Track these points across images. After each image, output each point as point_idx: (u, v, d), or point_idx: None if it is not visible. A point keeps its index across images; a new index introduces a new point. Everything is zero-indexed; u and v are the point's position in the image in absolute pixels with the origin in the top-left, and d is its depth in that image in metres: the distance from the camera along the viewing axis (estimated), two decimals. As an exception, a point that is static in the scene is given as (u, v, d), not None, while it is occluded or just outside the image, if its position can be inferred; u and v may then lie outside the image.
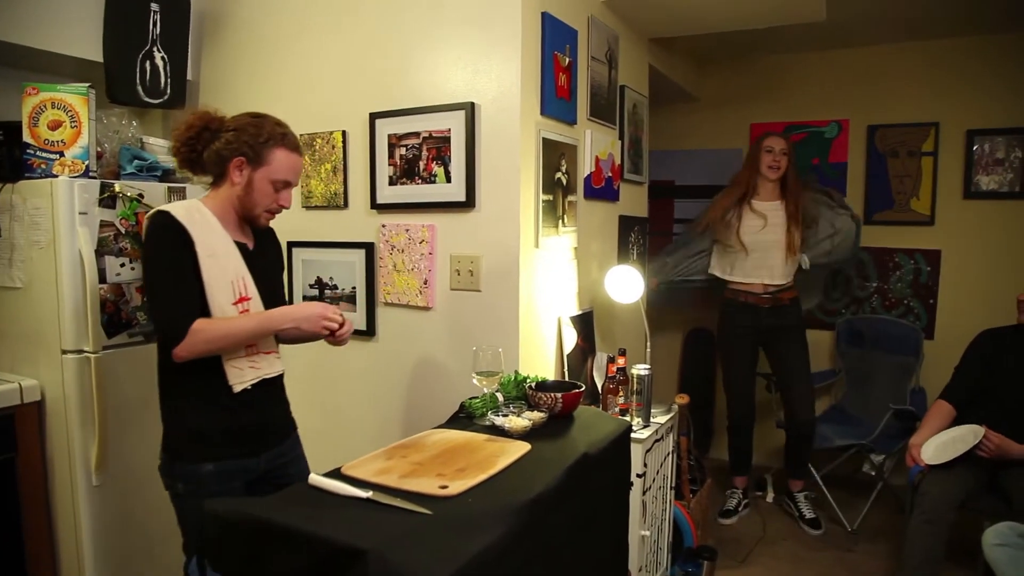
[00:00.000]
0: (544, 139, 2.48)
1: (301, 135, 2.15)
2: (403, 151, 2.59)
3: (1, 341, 2.61)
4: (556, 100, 2.55)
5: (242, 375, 1.84)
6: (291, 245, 2.87)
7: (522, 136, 2.36)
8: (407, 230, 2.60)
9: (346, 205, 2.79)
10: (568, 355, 2.66)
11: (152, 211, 1.81)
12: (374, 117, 2.64)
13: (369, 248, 2.71)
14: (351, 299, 2.77)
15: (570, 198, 2.71)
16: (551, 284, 2.62)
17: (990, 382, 2.92)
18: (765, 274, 3.55)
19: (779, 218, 3.53)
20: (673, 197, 4.73)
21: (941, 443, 2.81)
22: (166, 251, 1.76)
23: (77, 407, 2.37)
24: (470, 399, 2.13)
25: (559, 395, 2.02)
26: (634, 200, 3.49)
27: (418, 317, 2.61)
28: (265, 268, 1.96)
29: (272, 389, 1.97)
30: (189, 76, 3.09)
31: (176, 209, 1.79)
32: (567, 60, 2.60)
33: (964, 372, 3.02)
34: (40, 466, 2.48)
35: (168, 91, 2.98)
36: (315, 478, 1.55)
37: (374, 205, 2.69)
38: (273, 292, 1.98)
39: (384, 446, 1.79)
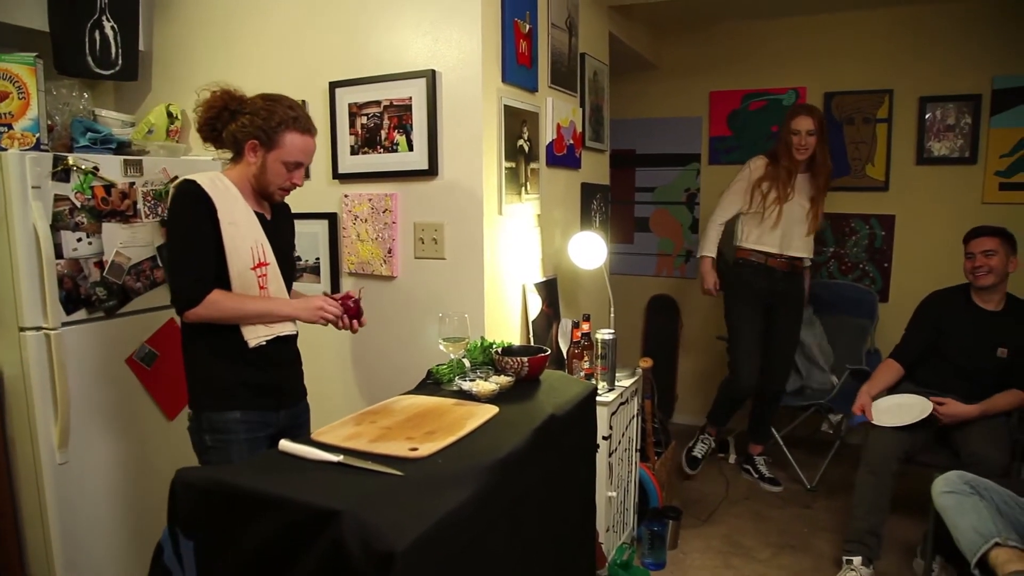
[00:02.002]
0: (506, 106, 2.49)
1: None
2: (364, 120, 2.57)
3: (-45, 320, 2.55)
4: (517, 67, 2.55)
5: (256, 331, 1.96)
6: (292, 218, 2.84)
7: (484, 104, 2.36)
8: (370, 199, 2.59)
9: (308, 176, 2.76)
10: (533, 321, 2.69)
11: (179, 180, 1.94)
12: (334, 86, 2.62)
13: (332, 218, 2.70)
14: (315, 270, 2.76)
15: (532, 165, 2.72)
16: (515, 251, 2.63)
17: (939, 342, 3.03)
18: (787, 245, 3.52)
19: (806, 193, 3.50)
20: (634, 166, 4.77)
21: (891, 406, 2.91)
22: (189, 219, 1.89)
23: (38, 385, 2.33)
24: (437, 366, 2.14)
25: (525, 359, 2.05)
26: (596, 168, 3.51)
27: (383, 286, 2.61)
28: (280, 237, 2.09)
29: (286, 349, 2.09)
30: (141, 46, 3.01)
31: (201, 179, 1.91)
32: (527, 27, 2.60)
33: (913, 332, 3.13)
34: (1, 446, 2.44)
35: (120, 62, 2.91)
36: (285, 444, 1.56)
37: (336, 175, 2.67)
38: (287, 259, 2.12)
39: (354, 409, 1.81)
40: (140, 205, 2.55)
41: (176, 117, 2.96)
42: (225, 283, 1.93)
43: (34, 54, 2.42)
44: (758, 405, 3.77)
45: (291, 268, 2.13)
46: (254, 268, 1.97)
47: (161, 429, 2.66)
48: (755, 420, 3.84)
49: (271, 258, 2.01)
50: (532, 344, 2.58)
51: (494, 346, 2.19)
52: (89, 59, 2.80)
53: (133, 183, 2.53)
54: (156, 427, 2.66)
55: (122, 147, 2.67)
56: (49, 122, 2.52)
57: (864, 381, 3.46)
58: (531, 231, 2.77)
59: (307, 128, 2.00)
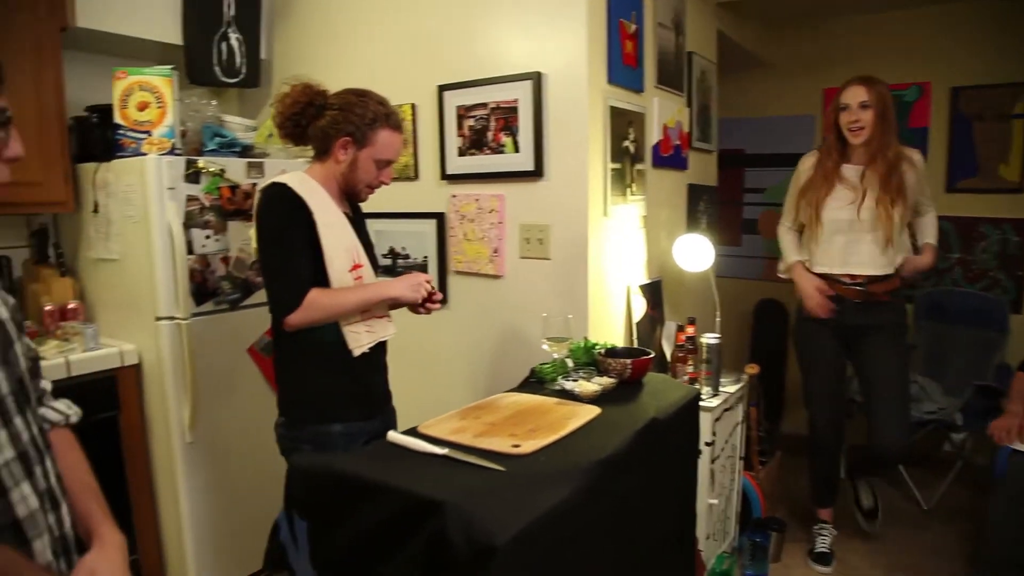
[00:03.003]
0: (611, 107, 2.49)
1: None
2: (471, 122, 2.63)
3: (102, 309, 2.78)
4: (623, 68, 2.54)
5: (359, 339, 1.90)
6: (364, 216, 2.94)
7: (589, 105, 2.37)
8: (477, 200, 2.64)
9: (417, 176, 2.85)
10: (637, 323, 2.68)
11: (267, 183, 1.87)
12: (442, 89, 2.69)
13: (440, 218, 2.77)
14: (423, 268, 2.84)
15: (638, 166, 2.71)
16: (620, 252, 2.63)
17: None
18: (853, 261, 2.75)
19: (873, 190, 2.70)
20: (743, 166, 4.65)
21: None
22: (283, 223, 1.81)
23: (171, 369, 2.52)
24: (541, 365, 2.17)
25: (629, 361, 2.04)
26: (703, 168, 3.45)
27: (489, 285, 2.67)
28: (364, 236, 2.03)
29: (383, 354, 2.05)
30: (263, 55, 3.19)
31: (292, 181, 1.84)
32: (633, 27, 2.58)
33: None
34: (140, 424, 2.66)
35: (244, 70, 3.09)
36: (394, 435, 1.62)
37: (444, 176, 2.74)
38: (372, 258, 2.04)
39: (457, 406, 1.86)
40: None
41: (296, 121, 3.11)
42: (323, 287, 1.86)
43: (171, 67, 2.61)
44: (872, 463, 3.09)
45: (375, 266, 2.06)
46: (351, 270, 1.91)
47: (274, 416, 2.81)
48: (866, 466, 3.21)
49: (365, 259, 1.96)
50: (636, 346, 2.57)
51: (597, 347, 2.19)
52: (217, 69, 2.99)
53: (255, 184, 2.69)
54: (274, 413, 2.81)
55: (245, 150, 2.83)
56: (182, 128, 2.70)
57: (992, 397, 3.21)
58: (636, 232, 2.75)
59: (398, 124, 1.94)
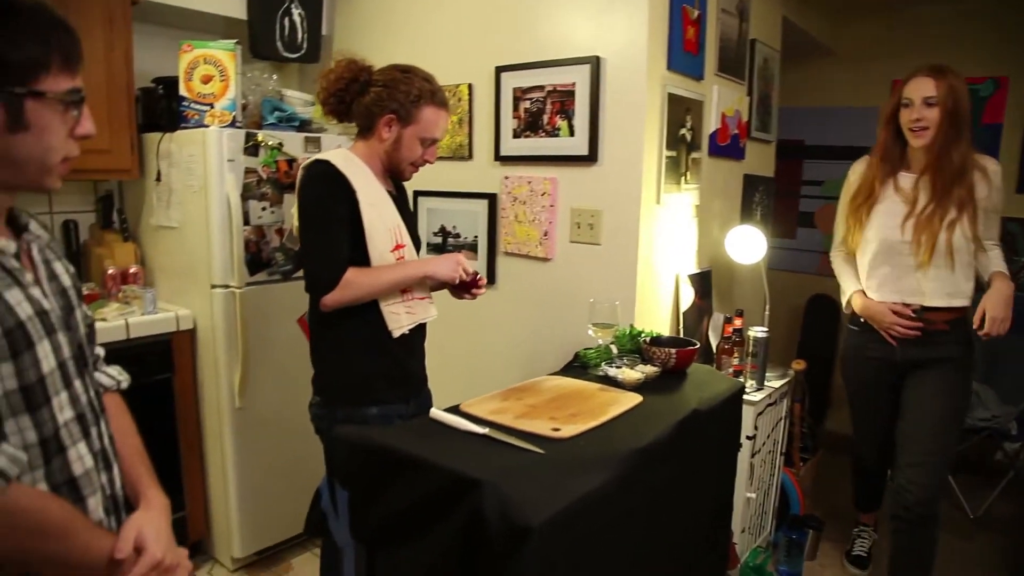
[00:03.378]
0: (669, 94, 2.45)
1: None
2: (527, 104, 2.62)
3: (161, 275, 2.88)
4: (683, 54, 2.50)
5: (399, 320, 1.89)
6: (417, 194, 2.98)
7: (647, 91, 2.34)
8: (529, 182, 2.64)
9: (471, 156, 2.86)
10: (684, 313, 2.66)
11: (310, 160, 1.85)
12: (500, 71, 2.68)
13: (492, 199, 2.78)
14: (473, 248, 2.86)
15: (694, 155, 2.67)
16: (671, 241, 2.61)
17: None
18: (905, 288, 2.39)
19: (926, 200, 2.32)
20: (802, 157, 4.54)
21: None
22: (325, 201, 1.79)
23: (223, 336, 2.60)
24: (585, 349, 2.17)
25: (673, 350, 2.03)
26: (760, 159, 3.39)
27: (537, 267, 2.67)
28: (405, 214, 2.00)
29: (421, 336, 2.03)
30: (324, 31, 3.23)
31: (335, 158, 1.82)
32: (696, 13, 2.54)
33: None
34: (192, 387, 2.75)
35: (304, 46, 3.13)
36: (436, 412, 1.65)
37: (498, 157, 2.75)
38: (413, 237, 2.01)
39: (502, 385, 1.87)
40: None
41: (353, 97, 3.15)
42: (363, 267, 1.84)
43: (234, 41, 2.66)
44: (899, 532, 2.53)
45: (417, 246, 2.03)
46: (393, 250, 1.89)
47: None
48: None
49: (407, 239, 1.94)
50: (682, 336, 2.55)
51: (643, 335, 2.19)
52: (279, 44, 3.04)
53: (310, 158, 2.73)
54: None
55: (304, 125, 2.88)
56: (243, 101, 2.76)
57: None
58: (688, 221, 2.72)
59: (444, 102, 1.90)
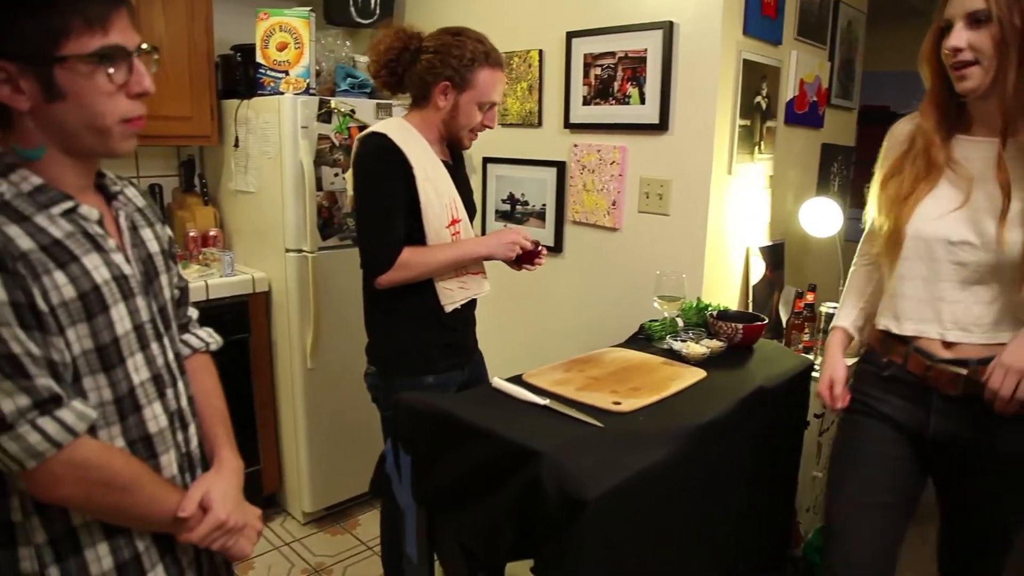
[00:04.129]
0: (744, 60, 2.37)
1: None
2: (598, 71, 2.58)
3: (239, 238, 2.98)
4: (760, 19, 2.41)
5: (452, 296, 1.90)
6: (486, 161, 2.98)
7: (721, 58, 2.27)
8: (598, 151, 2.61)
9: (540, 124, 2.84)
10: (754, 286, 2.60)
11: (366, 132, 1.82)
12: (571, 36, 2.64)
13: (560, 167, 2.76)
14: (540, 216, 2.86)
15: (768, 124, 2.59)
16: (742, 212, 2.54)
17: None
18: (949, 317, 1.48)
19: (989, 179, 1.42)
20: (887, 124, 4.32)
21: None
22: (381, 177, 1.77)
23: (296, 298, 2.69)
24: (650, 321, 2.16)
25: (740, 325, 2.00)
26: (840, 127, 3.25)
27: (605, 237, 2.65)
28: (462, 185, 1.97)
29: (473, 307, 2.05)
30: (397, -4, 3.23)
31: (391, 131, 1.78)
32: (780, -26, 2.44)
33: None
34: (267, 347, 2.86)
35: (377, 11, 3.14)
36: (498, 382, 1.67)
37: (567, 124, 2.72)
38: (469, 207, 1.99)
39: (563, 358, 1.88)
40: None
41: (424, 64, 3.16)
42: (417, 243, 1.83)
43: (308, 8, 2.69)
44: None
45: (472, 215, 1.99)
46: (448, 226, 1.87)
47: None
48: None
49: (463, 213, 1.92)
50: (750, 311, 2.50)
51: (709, 308, 2.16)
52: (352, 10, 3.05)
53: (383, 126, 2.77)
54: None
55: (375, 91, 2.91)
56: (317, 68, 2.80)
57: None
58: (761, 192, 2.65)
59: (498, 61, 1.83)
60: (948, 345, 1.48)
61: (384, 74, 1.87)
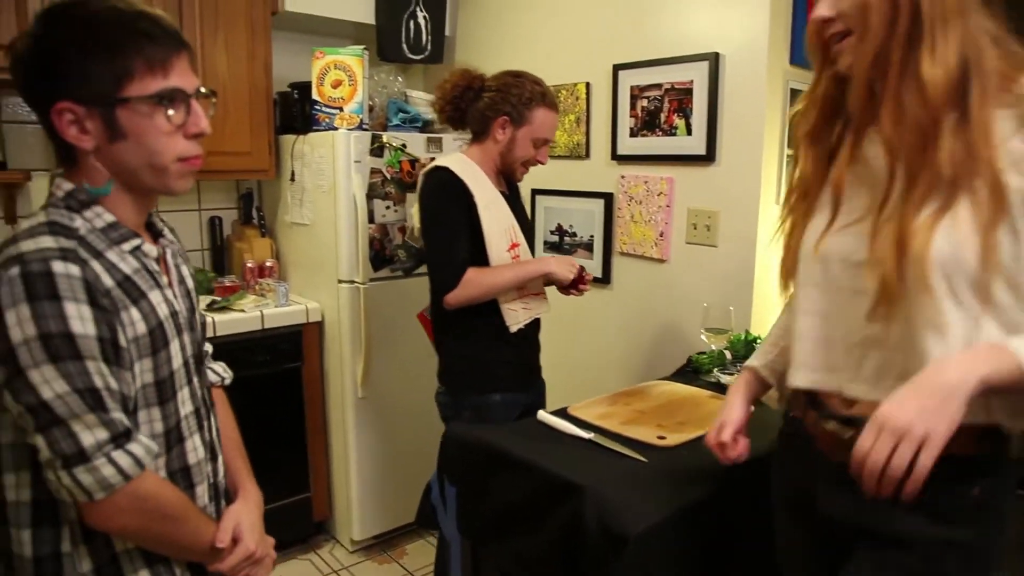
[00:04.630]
0: (792, 90, 2.36)
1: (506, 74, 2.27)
2: (644, 103, 2.60)
3: (294, 269, 3.07)
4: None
5: (517, 316, 2.01)
6: (535, 192, 3.02)
7: (767, 87, 2.27)
8: (646, 182, 2.62)
9: (588, 155, 2.86)
10: (805, 317, 2.56)
11: (430, 167, 1.99)
12: (617, 69, 2.67)
13: (608, 198, 2.78)
14: (588, 247, 2.87)
15: (819, 152, 2.55)
16: (791, 243, 2.51)
17: None
18: (846, 367, 1.13)
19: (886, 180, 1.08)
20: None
21: None
22: (446, 207, 1.93)
23: (348, 329, 2.74)
24: (698, 354, 2.14)
25: (789, 359, 1.96)
26: (896, 154, 3.19)
27: (652, 268, 2.65)
28: (519, 213, 2.10)
29: (536, 329, 2.14)
30: (447, 32, 3.31)
31: (453, 164, 1.95)
32: (826, 3, 2.42)
33: None
34: (319, 376, 2.92)
35: (429, 47, 3.23)
36: (543, 415, 1.68)
37: (614, 156, 2.73)
38: (527, 235, 2.11)
39: (609, 390, 1.89)
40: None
41: (474, 97, 3.22)
42: (481, 266, 1.96)
43: (362, 47, 2.78)
44: None
45: (531, 242, 2.14)
46: (509, 249, 2.00)
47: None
48: None
49: (521, 238, 2.05)
50: (800, 342, 2.45)
51: (758, 341, 2.13)
52: (404, 46, 3.15)
53: (433, 158, 2.82)
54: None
55: (426, 126, 2.98)
56: (370, 103, 2.88)
57: None
58: (811, 222, 2.61)
59: (554, 103, 2.01)
60: (849, 402, 1.13)
61: (449, 109, 2.04)
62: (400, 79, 3.11)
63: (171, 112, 1.00)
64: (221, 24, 2.74)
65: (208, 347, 1.37)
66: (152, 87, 0.98)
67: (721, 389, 1.90)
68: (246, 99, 2.81)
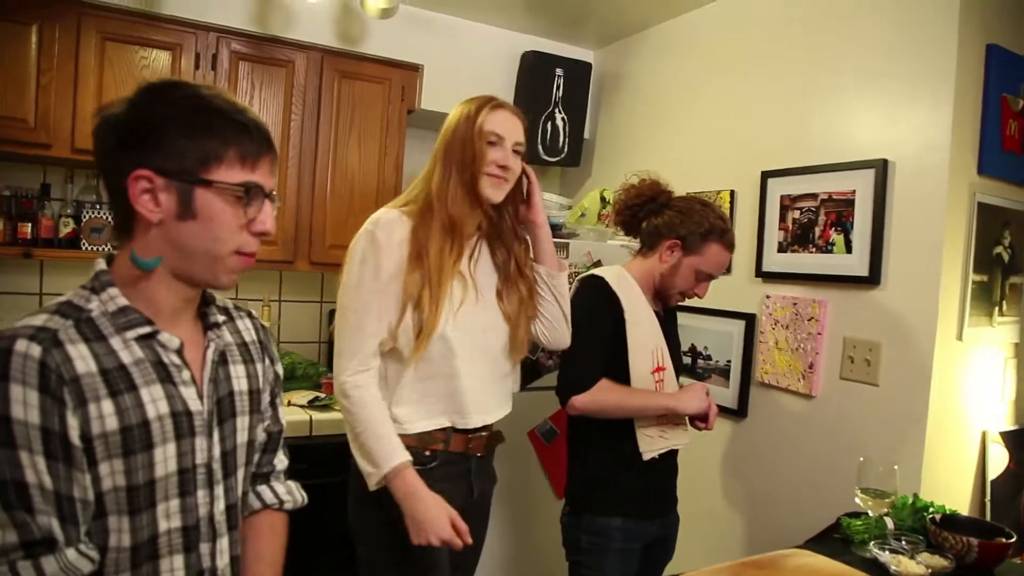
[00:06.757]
0: (979, 204, 1.99)
1: (687, 194, 2.08)
2: (796, 215, 2.30)
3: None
4: (1000, 155, 2.03)
5: (652, 443, 1.88)
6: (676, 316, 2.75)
7: (948, 200, 1.91)
8: (795, 304, 2.29)
9: (729, 271, 2.57)
10: (993, 482, 2.07)
11: (585, 274, 1.96)
12: (766, 176, 2.40)
13: (750, 320, 2.46)
14: (724, 373, 2.54)
15: (1013, 279, 2.13)
16: (977, 387, 2.07)
17: None
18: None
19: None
20: None
21: None
22: (593, 313, 1.85)
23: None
24: (849, 517, 1.76)
25: (974, 541, 1.54)
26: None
27: (797, 404, 2.27)
28: (670, 336, 1.99)
29: (674, 457, 2.00)
30: (586, 135, 3.19)
31: (608, 276, 1.90)
32: (1021, 103, 2.06)
33: None
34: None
35: (565, 149, 3.12)
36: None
37: (759, 273, 2.43)
38: (676, 360, 2.01)
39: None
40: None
41: (608, 202, 3.04)
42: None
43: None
44: None
45: (678, 368, 2.03)
46: (653, 372, 1.89)
47: (546, 502, 2.68)
48: None
49: (668, 363, 1.93)
50: (988, 515, 1.97)
51: (930, 510, 1.71)
52: (540, 148, 3.05)
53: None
54: (544, 501, 2.69)
55: (555, 229, 2.81)
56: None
57: None
58: (1001, 364, 2.16)
59: (732, 244, 1.92)
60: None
61: (626, 215, 1.99)
62: (532, 181, 2.99)
63: (252, 207, 0.99)
64: (357, 118, 2.76)
65: (280, 462, 1.24)
66: (237, 177, 0.97)
67: (878, 569, 1.49)
68: (373, 195, 2.78)
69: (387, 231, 1.59)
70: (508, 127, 1.66)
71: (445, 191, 1.61)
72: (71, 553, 0.88)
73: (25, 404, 0.85)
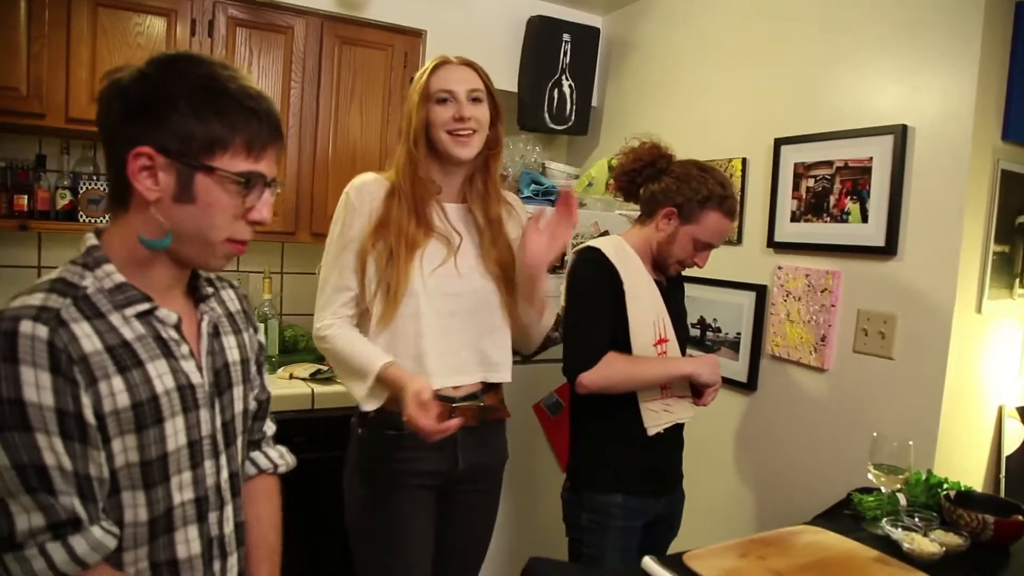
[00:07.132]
0: (1003, 171, 1.92)
1: (691, 159, 2.02)
2: (810, 183, 2.23)
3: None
4: (1027, 121, 1.95)
5: (657, 418, 1.84)
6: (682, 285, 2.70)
7: (971, 167, 1.84)
8: (807, 275, 2.23)
9: (739, 241, 2.51)
10: (1008, 457, 2.03)
11: (582, 246, 1.89)
12: (779, 143, 2.33)
13: (761, 291, 2.40)
14: (733, 345, 2.49)
15: (1036, 250, 2.07)
16: (994, 361, 2.02)
17: None
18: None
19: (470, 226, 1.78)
20: None
21: None
22: (592, 287, 1.82)
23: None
24: (861, 493, 1.72)
25: (990, 518, 1.50)
26: None
27: (808, 378, 2.22)
28: (675, 307, 1.94)
29: (678, 432, 1.95)
30: (594, 102, 3.11)
31: (606, 248, 1.84)
32: (1050, 68, 1.98)
33: None
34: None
35: (572, 117, 3.05)
36: (650, 564, 1.35)
37: (771, 243, 2.37)
38: (681, 329, 1.96)
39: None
40: (568, 257, 2.59)
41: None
42: None
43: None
44: None
45: (684, 339, 1.97)
46: (655, 344, 1.84)
47: (552, 476, 2.66)
48: None
49: (671, 334, 1.88)
50: (1003, 492, 1.93)
51: (944, 486, 1.67)
52: (546, 116, 2.98)
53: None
54: (549, 474, 2.67)
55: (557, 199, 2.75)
56: (504, 172, 2.71)
57: None
58: (1021, 337, 2.10)
59: (732, 211, 1.84)
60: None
61: (623, 180, 1.93)
62: (538, 149, 2.93)
63: (251, 196, 0.99)
64: (358, 86, 2.70)
65: (269, 428, 1.26)
66: (241, 166, 0.96)
67: (891, 547, 1.46)
68: (376, 165, 2.71)
69: (359, 194, 1.68)
70: (455, 78, 1.67)
71: (403, 164, 1.67)
72: (96, 531, 0.89)
73: (38, 386, 0.85)
